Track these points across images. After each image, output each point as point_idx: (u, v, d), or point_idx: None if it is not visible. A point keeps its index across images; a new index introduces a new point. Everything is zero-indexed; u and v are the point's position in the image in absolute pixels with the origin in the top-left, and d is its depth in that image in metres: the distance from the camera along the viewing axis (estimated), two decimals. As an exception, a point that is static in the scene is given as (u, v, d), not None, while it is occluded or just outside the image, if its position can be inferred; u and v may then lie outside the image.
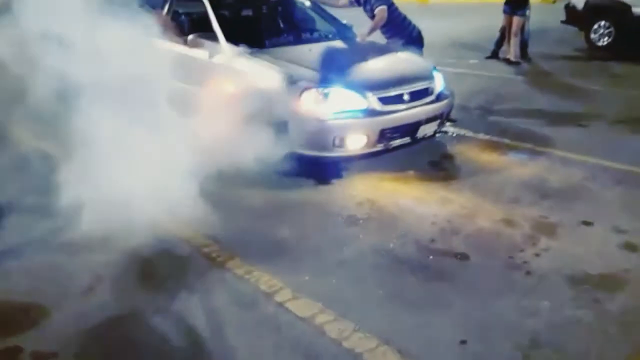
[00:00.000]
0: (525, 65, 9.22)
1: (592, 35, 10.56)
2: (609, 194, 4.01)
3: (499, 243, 3.31)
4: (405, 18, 5.51)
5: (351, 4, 5.67)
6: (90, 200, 3.37)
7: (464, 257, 3.15)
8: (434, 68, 4.86)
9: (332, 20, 5.66)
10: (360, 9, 5.57)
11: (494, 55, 9.78)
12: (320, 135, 4.08)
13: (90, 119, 3.66)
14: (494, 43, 9.82)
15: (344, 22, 5.65)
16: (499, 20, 9.56)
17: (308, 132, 4.10)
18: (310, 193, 4.07)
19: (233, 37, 4.71)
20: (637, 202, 3.86)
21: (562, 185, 4.16)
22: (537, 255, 3.17)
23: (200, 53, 4.77)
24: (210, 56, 4.68)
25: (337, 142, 4.08)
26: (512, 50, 9.33)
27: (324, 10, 5.76)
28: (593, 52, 10.28)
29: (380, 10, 5.27)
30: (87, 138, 3.64)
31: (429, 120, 4.47)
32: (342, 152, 4.16)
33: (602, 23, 10.38)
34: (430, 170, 4.51)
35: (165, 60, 4.90)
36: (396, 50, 5.16)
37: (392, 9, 5.36)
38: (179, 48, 5.01)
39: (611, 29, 10.30)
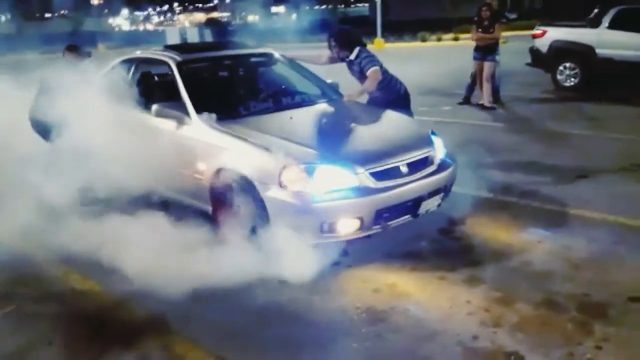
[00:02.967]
0: (500, 110, 9.09)
1: (559, 77, 10.66)
2: (644, 259, 3.67)
3: (551, 334, 2.86)
4: (392, 77, 5.11)
5: (334, 61, 5.24)
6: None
7: (518, 358, 2.68)
8: (433, 132, 4.38)
9: (316, 79, 5.18)
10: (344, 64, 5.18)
11: (466, 101, 9.66)
12: (306, 221, 3.49)
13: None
14: (465, 88, 9.72)
15: (329, 81, 5.24)
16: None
17: (291, 216, 3.51)
18: (315, 279, 3.52)
19: (204, 105, 4.20)
20: (678, 269, 3.52)
21: (590, 252, 3.78)
22: (598, 348, 2.73)
23: (166, 123, 4.28)
24: (178, 127, 4.18)
25: (325, 227, 3.49)
26: (485, 95, 9.22)
27: (305, 69, 5.29)
28: (562, 93, 10.33)
29: (374, 72, 4.82)
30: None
31: (431, 194, 3.91)
32: (332, 237, 3.59)
33: (568, 65, 10.51)
34: (444, 240, 4.08)
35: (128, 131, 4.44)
36: (386, 114, 4.66)
37: (382, 70, 4.97)
38: (142, 117, 4.52)
39: (577, 70, 10.43)
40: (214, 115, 4.12)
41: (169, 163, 4.30)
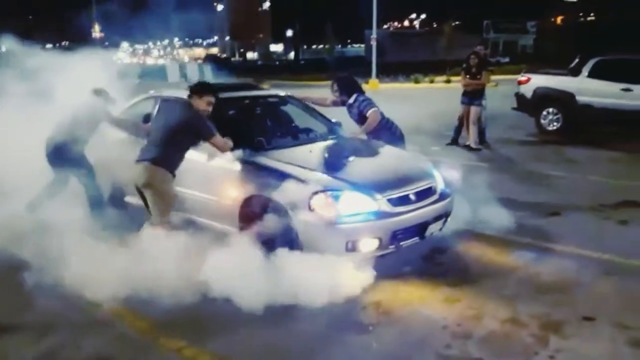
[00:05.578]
0: (485, 152, 9.67)
1: (542, 121, 11.33)
2: (602, 286, 4.14)
3: (512, 345, 3.33)
4: (388, 119, 5.70)
5: (337, 104, 5.83)
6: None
7: (482, 363, 3.14)
8: (433, 166, 4.96)
9: (323, 118, 5.79)
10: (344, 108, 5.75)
11: (454, 142, 10.23)
12: (333, 240, 4.02)
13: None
14: (453, 130, 10.30)
15: (333, 120, 5.80)
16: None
17: (320, 236, 4.02)
18: (310, 296, 3.94)
19: (231, 139, 4.64)
20: (631, 294, 4.00)
21: (555, 278, 4.28)
22: (551, 358, 3.19)
23: (197, 155, 4.70)
24: (209, 159, 4.64)
25: (350, 246, 4.03)
26: (471, 137, 9.81)
27: (313, 109, 5.91)
28: (545, 137, 10.96)
29: (373, 112, 5.42)
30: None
31: (436, 219, 4.50)
32: (354, 256, 4.10)
33: (551, 110, 11.18)
34: (426, 266, 4.56)
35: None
36: (391, 149, 5.22)
37: (380, 112, 5.55)
38: None
39: (559, 115, 11.08)
40: (241, 146, 4.59)
41: (199, 190, 4.74)
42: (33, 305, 3.88)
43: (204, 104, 4.44)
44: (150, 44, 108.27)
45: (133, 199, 5.31)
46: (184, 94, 5.35)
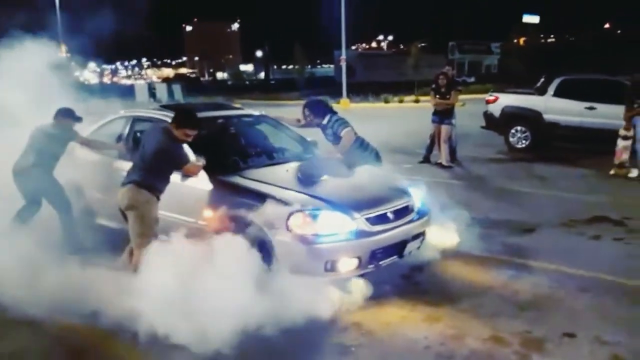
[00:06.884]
0: (457, 169, 9.77)
1: (511, 139, 11.53)
2: (579, 302, 4.16)
3: (496, 365, 3.31)
4: (363, 140, 5.68)
5: (310, 125, 5.79)
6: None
7: (467, 384, 3.10)
8: (409, 184, 4.96)
9: (298, 137, 5.75)
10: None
11: (426, 160, 10.33)
12: (311, 260, 3.95)
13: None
14: (424, 148, 10.40)
15: (309, 139, 5.76)
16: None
17: (298, 256, 3.95)
18: (289, 318, 3.86)
19: (204, 157, 4.52)
20: (608, 309, 4.02)
21: (533, 296, 4.28)
22: (536, 376, 3.18)
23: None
24: (182, 179, 4.51)
25: (329, 266, 3.97)
26: (443, 155, 9.91)
27: (289, 129, 5.86)
28: (514, 154, 11.15)
29: (348, 132, 5.38)
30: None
31: (414, 237, 4.50)
32: (333, 275, 4.04)
33: (519, 128, 11.39)
34: (405, 284, 4.52)
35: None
36: (367, 168, 5.17)
37: (353, 132, 5.53)
38: None
39: (527, 133, 11.30)
40: (216, 166, 4.51)
41: (172, 211, 4.55)
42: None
43: (181, 134, 4.30)
44: (118, 64, 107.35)
45: (105, 221, 5.17)
46: (154, 113, 5.32)
